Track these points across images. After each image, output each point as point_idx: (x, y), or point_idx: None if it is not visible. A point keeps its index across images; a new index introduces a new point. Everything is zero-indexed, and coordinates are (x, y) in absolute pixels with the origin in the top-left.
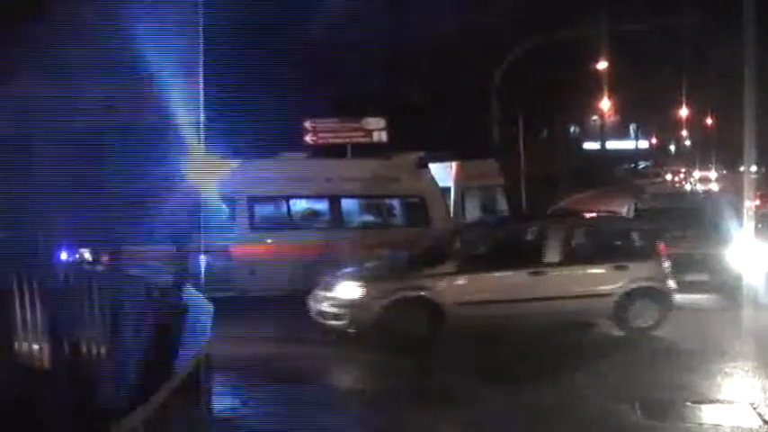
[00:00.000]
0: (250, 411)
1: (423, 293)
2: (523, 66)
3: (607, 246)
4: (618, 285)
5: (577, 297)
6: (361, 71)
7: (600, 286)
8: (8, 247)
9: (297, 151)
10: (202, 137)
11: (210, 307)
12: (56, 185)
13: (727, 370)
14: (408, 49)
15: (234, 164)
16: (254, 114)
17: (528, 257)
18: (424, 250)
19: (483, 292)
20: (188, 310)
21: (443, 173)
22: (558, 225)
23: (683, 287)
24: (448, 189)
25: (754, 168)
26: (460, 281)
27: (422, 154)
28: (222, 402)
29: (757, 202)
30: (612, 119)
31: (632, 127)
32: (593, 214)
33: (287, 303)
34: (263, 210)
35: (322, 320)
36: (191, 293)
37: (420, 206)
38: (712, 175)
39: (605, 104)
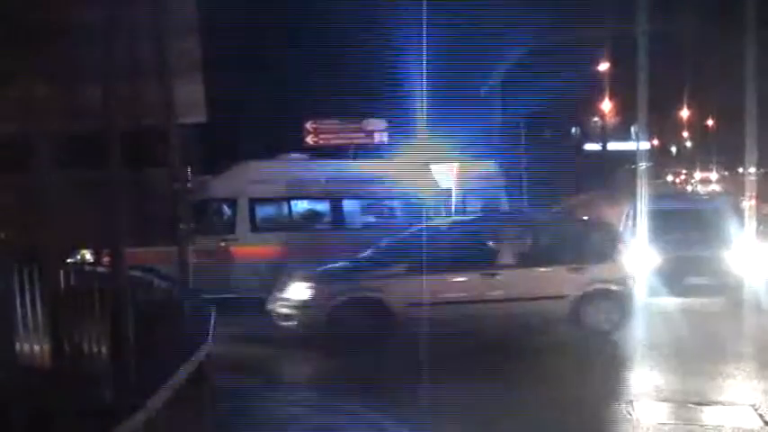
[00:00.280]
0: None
1: (371, 294)
2: (525, 66)
3: (565, 247)
4: (574, 287)
5: (531, 299)
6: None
7: (555, 288)
8: (9, 246)
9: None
10: None
11: (212, 308)
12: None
13: (728, 372)
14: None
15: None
16: None
17: (482, 259)
18: (381, 252)
19: (434, 293)
20: (189, 310)
21: (445, 174)
22: (513, 225)
23: (684, 290)
24: (449, 190)
25: (752, 170)
26: (412, 282)
27: (423, 154)
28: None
29: (753, 201)
30: (614, 120)
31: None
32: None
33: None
34: (265, 211)
35: (277, 321)
36: (192, 294)
37: (422, 207)
38: (713, 176)
39: (606, 106)
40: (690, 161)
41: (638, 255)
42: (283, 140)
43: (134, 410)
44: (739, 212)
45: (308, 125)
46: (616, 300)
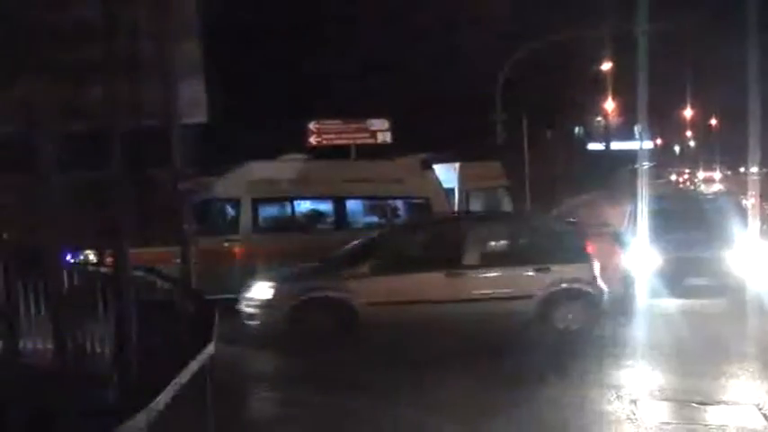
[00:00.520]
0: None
1: (331, 294)
2: (528, 66)
3: (531, 247)
4: (540, 287)
5: (497, 299)
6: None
7: (521, 288)
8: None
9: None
10: None
11: (215, 309)
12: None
13: (731, 372)
14: (413, 50)
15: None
16: None
17: (446, 259)
18: (348, 252)
19: (397, 293)
20: (193, 311)
21: (448, 174)
22: (479, 226)
23: (685, 291)
24: (452, 190)
25: (755, 170)
26: (374, 282)
27: (426, 155)
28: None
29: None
30: (617, 120)
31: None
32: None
33: None
34: (267, 211)
35: (244, 320)
36: (193, 294)
37: (424, 207)
38: (716, 175)
39: (609, 105)
40: (693, 160)
41: (639, 255)
42: (286, 141)
43: (137, 411)
44: (742, 212)
45: (311, 125)
46: (584, 299)
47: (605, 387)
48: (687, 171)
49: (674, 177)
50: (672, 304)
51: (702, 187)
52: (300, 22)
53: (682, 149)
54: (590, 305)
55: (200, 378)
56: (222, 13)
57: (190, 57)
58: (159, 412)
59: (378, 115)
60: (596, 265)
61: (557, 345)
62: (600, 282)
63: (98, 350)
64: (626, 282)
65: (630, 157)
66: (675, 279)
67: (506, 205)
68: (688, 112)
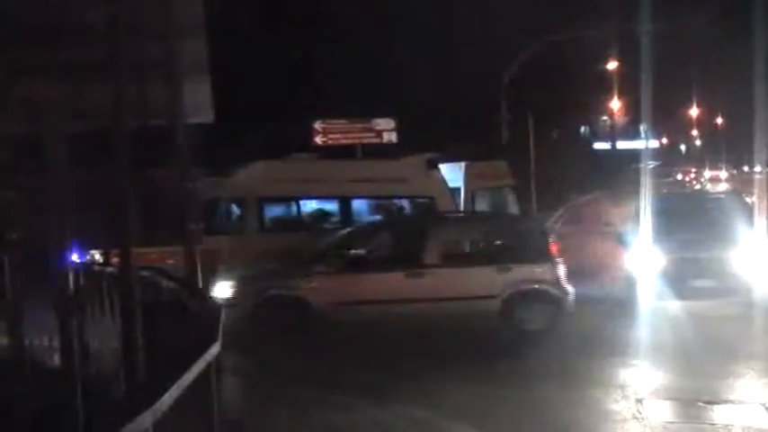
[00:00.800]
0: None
1: (289, 293)
2: (533, 66)
3: (494, 247)
4: (502, 287)
5: (458, 299)
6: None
7: (483, 288)
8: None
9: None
10: None
11: (220, 308)
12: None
13: (738, 371)
14: (417, 50)
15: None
16: None
17: (407, 258)
18: (312, 251)
19: (357, 292)
20: (198, 310)
21: (453, 173)
22: (441, 226)
23: (690, 293)
24: (458, 190)
25: (758, 168)
26: (334, 281)
27: (432, 154)
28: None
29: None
30: (623, 119)
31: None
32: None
33: None
34: (273, 210)
35: None
36: (200, 295)
37: (430, 207)
38: (723, 174)
39: (615, 104)
40: (699, 160)
41: (643, 255)
42: (292, 140)
43: (142, 410)
44: (748, 211)
45: (317, 125)
46: (547, 300)
47: (611, 386)
48: (693, 170)
49: (680, 176)
50: (676, 306)
51: (709, 186)
52: (307, 21)
53: (688, 148)
54: (553, 305)
55: (206, 378)
56: (228, 12)
57: (196, 56)
58: (164, 412)
59: (383, 115)
60: (560, 266)
61: (524, 345)
62: (564, 282)
63: (103, 349)
64: (629, 282)
65: (636, 156)
66: (680, 280)
67: (512, 205)
68: (694, 111)
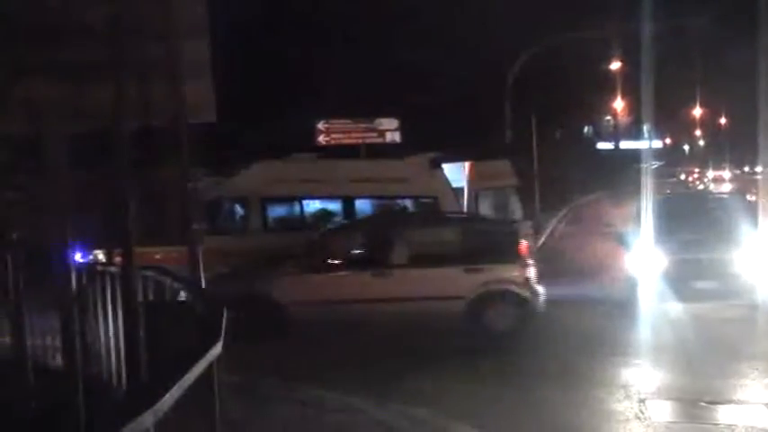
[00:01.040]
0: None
1: (261, 293)
2: (537, 66)
3: (462, 247)
4: (470, 288)
5: (425, 299)
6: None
7: (450, 289)
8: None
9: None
10: None
11: (223, 308)
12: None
13: (741, 372)
14: (421, 49)
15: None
16: None
17: (374, 259)
18: (285, 252)
19: (323, 292)
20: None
21: (457, 173)
22: (410, 226)
23: (692, 295)
24: (461, 189)
25: (759, 169)
26: (303, 281)
27: (435, 154)
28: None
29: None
30: (626, 119)
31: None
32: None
33: None
34: (276, 210)
35: None
36: (202, 294)
37: (433, 206)
38: (726, 174)
39: (618, 104)
40: (702, 160)
41: (645, 256)
42: (295, 140)
43: (144, 410)
44: (752, 211)
45: (320, 125)
46: (515, 301)
47: (614, 387)
48: (697, 170)
49: (683, 177)
50: (678, 308)
51: (712, 186)
52: (309, 20)
53: (691, 148)
54: (521, 306)
55: (208, 378)
56: (231, 12)
57: (198, 56)
58: (166, 412)
59: (387, 115)
60: (530, 267)
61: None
62: (533, 283)
63: (106, 349)
64: (630, 283)
65: (640, 156)
66: (682, 282)
67: (515, 204)
68: (697, 111)
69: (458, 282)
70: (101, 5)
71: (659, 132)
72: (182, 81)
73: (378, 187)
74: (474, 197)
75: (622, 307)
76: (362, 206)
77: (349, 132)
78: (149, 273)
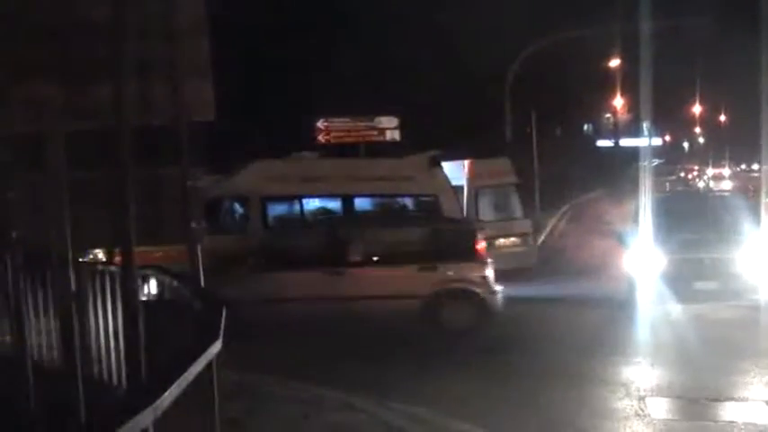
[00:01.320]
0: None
1: (215, 291)
2: (536, 64)
3: (418, 246)
4: (425, 287)
5: (380, 298)
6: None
7: (405, 287)
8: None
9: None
10: None
11: (222, 307)
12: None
13: (741, 369)
14: (421, 48)
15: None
16: None
17: (329, 257)
18: (243, 251)
19: (277, 290)
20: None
21: (456, 171)
22: (366, 225)
23: (693, 296)
24: (461, 187)
25: (755, 166)
26: (257, 279)
27: (435, 152)
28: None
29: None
30: (626, 116)
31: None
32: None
33: None
34: (276, 209)
35: None
36: (202, 293)
37: (433, 205)
38: (726, 172)
39: (618, 102)
40: (702, 157)
41: (644, 256)
42: (295, 139)
43: (143, 409)
44: (753, 210)
45: (320, 123)
46: (472, 299)
47: (614, 385)
48: (696, 168)
49: (683, 174)
50: (679, 309)
51: (712, 184)
52: (310, 20)
53: (691, 146)
54: (478, 305)
55: (207, 376)
56: (231, 11)
57: (198, 55)
58: (165, 410)
59: (387, 113)
60: (488, 265)
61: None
62: (490, 282)
63: (105, 348)
64: (630, 283)
65: (639, 154)
66: (683, 282)
67: (515, 202)
68: (697, 109)
69: (413, 281)
70: (101, 4)
71: (659, 130)
72: (182, 80)
73: (378, 186)
74: (474, 195)
75: (623, 306)
76: (362, 205)
77: (348, 131)
78: (149, 272)
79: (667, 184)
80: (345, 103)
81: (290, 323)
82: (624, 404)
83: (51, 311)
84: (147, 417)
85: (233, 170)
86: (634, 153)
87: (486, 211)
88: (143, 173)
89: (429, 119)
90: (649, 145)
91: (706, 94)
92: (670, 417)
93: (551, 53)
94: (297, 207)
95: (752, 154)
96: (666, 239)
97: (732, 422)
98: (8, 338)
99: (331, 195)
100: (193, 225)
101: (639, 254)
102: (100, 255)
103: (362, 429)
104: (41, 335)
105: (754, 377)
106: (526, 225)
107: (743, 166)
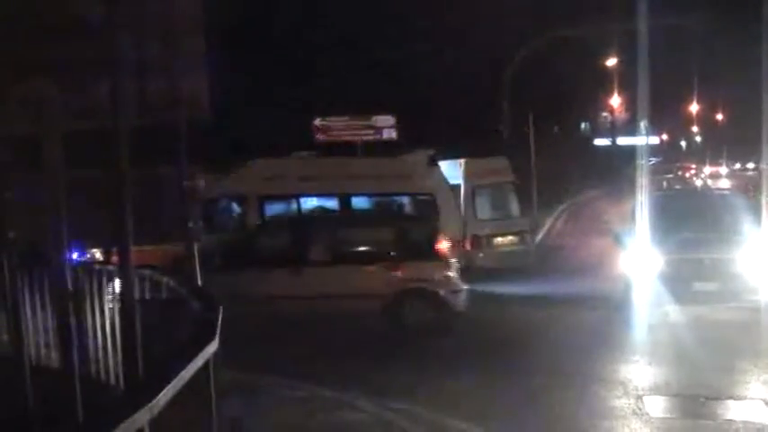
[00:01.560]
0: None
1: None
2: (533, 62)
3: (381, 245)
4: (386, 286)
5: (341, 296)
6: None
7: (367, 286)
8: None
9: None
10: None
11: (219, 306)
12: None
13: (740, 368)
14: (417, 46)
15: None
16: None
17: (292, 256)
18: (209, 250)
19: (242, 289)
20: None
21: (453, 170)
22: (329, 224)
23: (692, 297)
24: (458, 186)
25: (750, 165)
26: (222, 278)
27: (432, 151)
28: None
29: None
30: (623, 115)
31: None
32: None
33: None
34: (274, 208)
35: None
36: (199, 292)
37: (430, 203)
38: (723, 170)
39: (615, 101)
40: (699, 156)
41: (642, 256)
42: (292, 138)
43: (140, 408)
44: (753, 210)
45: (317, 122)
46: (434, 299)
47: (611, 383)
48: (693, 166)
49: (680, 172)
50: (677, 310)
51: (709, 182)
52: (306, 19)
53: (688, 144)
54: (439, 305)
55: (203, 375)
56: (229, 11)
57: (193, 53)
58: (162, 410)
59: (383, 112)
60: (451, 265)
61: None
62: (453, 281)
63: (102, 347)
64: (627, 284)
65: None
66: (682, 283)
67: (512, 201)
68: (694, 107)
69: (375, 280)
70: (98, 3)
71: (656, 128)
72: (179, 79)
73: (375, 184)
74: (471, 194)
75: (620, 307)
76: (360, 203)
77: (346, 130)
78: (146, 271)
79: (665, 182)
80: (342, 101)
81: (252, 322)
82: (622, 403)
83: (48, 310)
84: (143, 416)
85: (231, 169)
86: (631, 151)
87: (483, 210)
88: (141, 172)
89: (426, 118)
90: (647, 143)
91: (703, 93)
92: (668, 415)
93: (549, 52)
94: (295, 206)
95: (748, 153)
96: (665, 239)
97: (730, 420)
98: (5, 337)
99: (329, 194)
100: (191, 224)
101: (637, 254)
102: (97, 254)
103: (362, 429)
104: (39, 334)
105: (752, 376)
106: (523, 224)
107: (738, 165)
